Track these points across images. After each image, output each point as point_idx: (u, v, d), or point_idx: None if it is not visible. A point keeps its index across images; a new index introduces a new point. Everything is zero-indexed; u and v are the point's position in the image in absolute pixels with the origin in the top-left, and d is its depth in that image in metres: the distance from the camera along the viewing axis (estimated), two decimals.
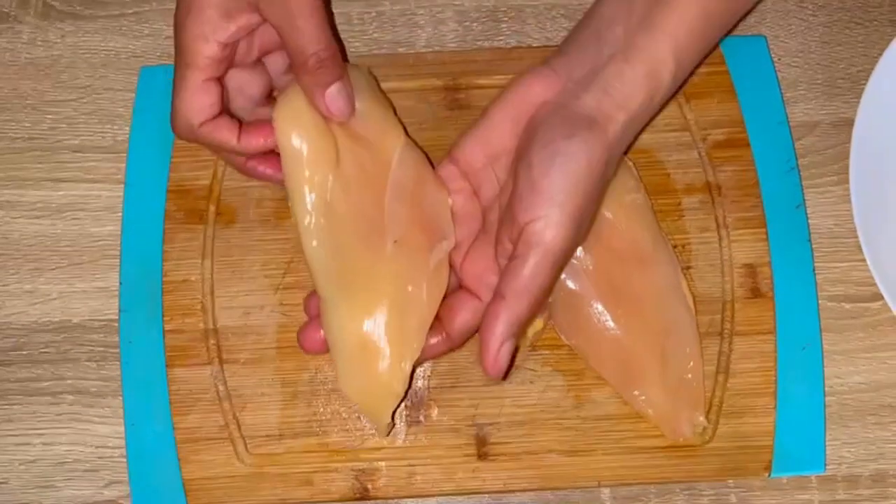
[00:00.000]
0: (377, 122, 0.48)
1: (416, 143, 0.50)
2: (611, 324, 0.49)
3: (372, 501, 0.50)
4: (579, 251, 0.49)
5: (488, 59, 0.54)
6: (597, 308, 0.49)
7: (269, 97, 0.50)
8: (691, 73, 0.47)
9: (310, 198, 0.46)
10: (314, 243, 0.46)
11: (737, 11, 0.47)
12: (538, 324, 0.50)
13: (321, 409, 0.50)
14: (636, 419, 0.50)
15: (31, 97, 0.56)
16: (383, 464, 0.49)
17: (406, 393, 0.46)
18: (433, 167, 0.49)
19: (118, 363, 0.51)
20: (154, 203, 0.52)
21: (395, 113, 0.50)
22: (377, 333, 0.45)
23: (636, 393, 0.49)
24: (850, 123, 0.52)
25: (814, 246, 0.52)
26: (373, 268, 0.46)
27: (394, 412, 0.47)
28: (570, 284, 0.49)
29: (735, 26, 0.50)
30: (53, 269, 0.53)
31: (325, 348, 0.47)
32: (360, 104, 0.48)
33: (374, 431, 0.50)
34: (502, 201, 0.46)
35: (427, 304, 0.46)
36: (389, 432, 0.49)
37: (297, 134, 0.46)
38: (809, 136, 0.55)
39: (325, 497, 0.49)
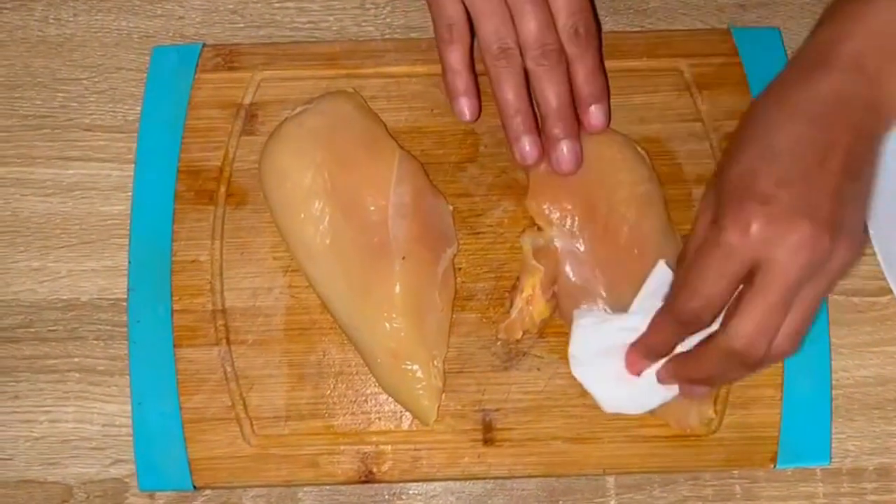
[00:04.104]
0: (371, 143, 0.50)
1: (411, 155, 0.51)
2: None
3: (377, 485, 0.50)
4: (581, 245, 0.49)
5: None
6: (600, 301, 0.49)
7: None
8: None
9: (304, 232, 0.48)
10: (320, 271, 0.49)
11: None
12: (545, 311, 0.50)
13: (328, 392, 0.50)
14: None
15: (42, 75, 0.56)
16: (389, 447, 0.49)
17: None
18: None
19: (126, 342, 0.51)
20: (164, 183, 0.52)
21: (387, 129, 0.52)
22: (403, 341, 0.48)
23: None
24: None
25: None
26: (384, 285, 0.48)
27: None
28: (574, 277, 0.49)
29: None
30: (62, 248, 0.53)
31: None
32: (352, 130, 0.50)
33: (380, 415, 0.50)
34: None
35: (441, 308, 0.49)
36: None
37: (279, 179, 0.49)
38: None
39: (330, 479, 0.49)
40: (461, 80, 0.48)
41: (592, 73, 0.48)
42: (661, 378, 0.46)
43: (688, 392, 0.46)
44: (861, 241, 0.43)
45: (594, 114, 0.48)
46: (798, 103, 0.41)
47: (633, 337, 0.46)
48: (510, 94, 0.47)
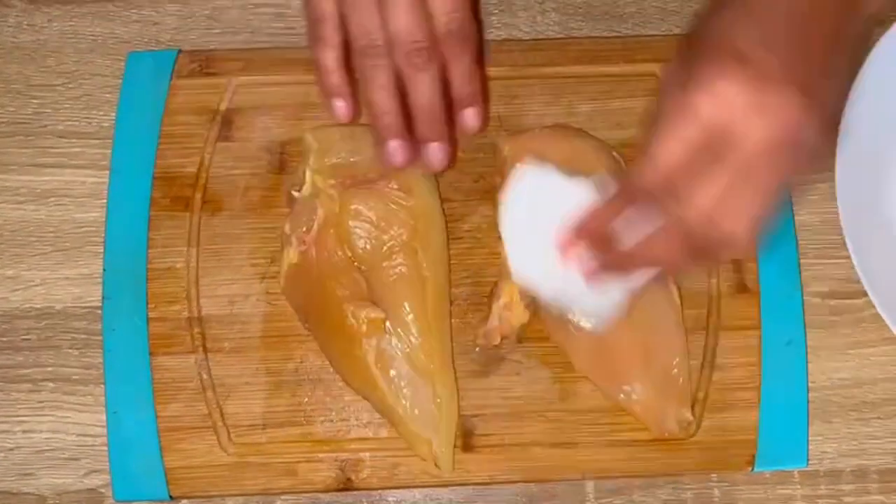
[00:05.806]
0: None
1: None
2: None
3: (356, 492, 0.49)
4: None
5: None
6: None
7: None
8: None
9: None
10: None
11: None
12: (524, 316, 0.50)
13: (305, 399, 0.50)
14: (621, 412, 0.49)
15: (16, 81, 0.55)
16: (367, 455, 0.49)
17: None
18: None
19: (101, 351, 0.50)
20: (139, 190, 0.52)
21: None
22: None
23: (626, 388, 0.49)
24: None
25: (799, 243, 0.53)
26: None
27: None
28: None
29: None
30: (36, 256, 0.53)
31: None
32: None
33: (358, 423, 0.50)
34: None
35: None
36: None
37: None
38: None
39: (308, 487, 0.49)
40: (332, 79, 0.46)
41: (467, 74, 0.46)
42: (589, 270, 0.43)
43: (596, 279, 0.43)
44: (833, 129, 0.40)
45: (468, 117, 0.47)
46: None
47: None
48: (376, 94, 0.45)
